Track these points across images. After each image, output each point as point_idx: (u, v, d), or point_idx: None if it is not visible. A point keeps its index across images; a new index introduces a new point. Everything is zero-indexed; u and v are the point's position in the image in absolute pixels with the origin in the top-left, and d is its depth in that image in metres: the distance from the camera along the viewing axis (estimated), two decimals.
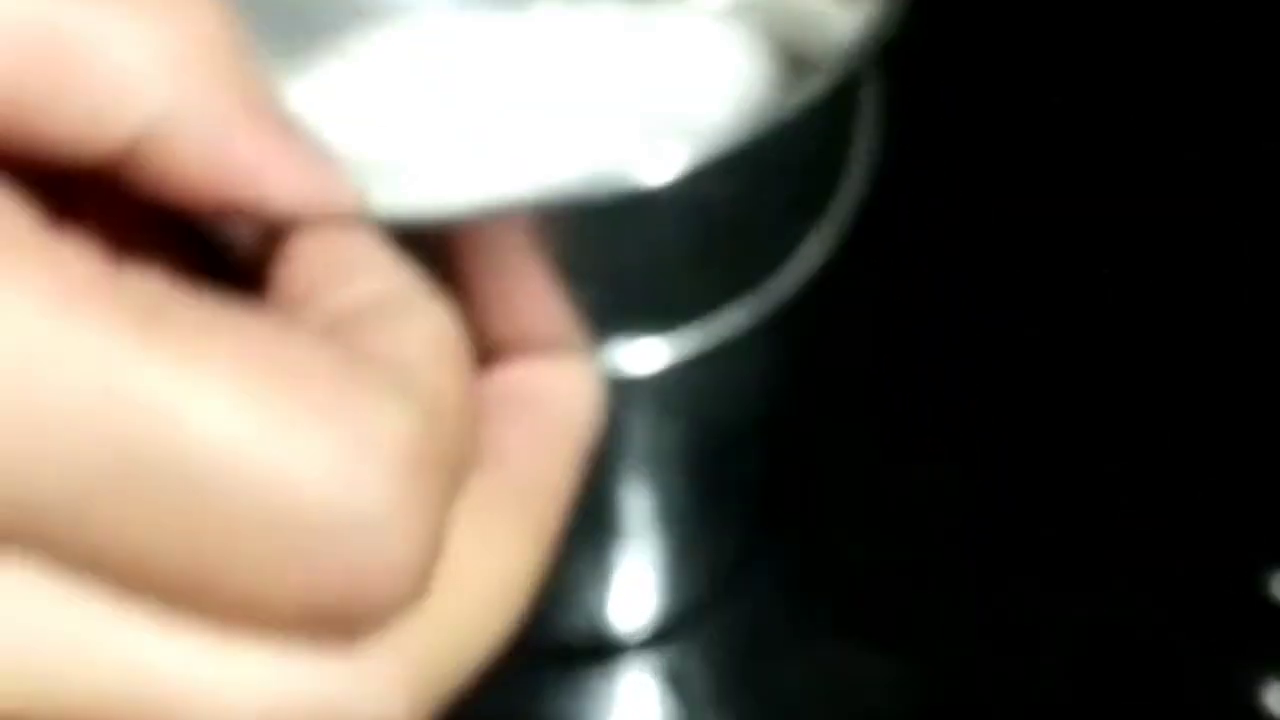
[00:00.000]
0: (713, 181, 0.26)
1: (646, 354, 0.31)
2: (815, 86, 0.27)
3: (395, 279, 0.21)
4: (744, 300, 0.30)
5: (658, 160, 0.25)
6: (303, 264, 0.21)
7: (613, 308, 0.28)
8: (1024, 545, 0.43)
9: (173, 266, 0.22)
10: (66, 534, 0.17)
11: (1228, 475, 0.44)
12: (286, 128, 0.21)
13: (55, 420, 0.17)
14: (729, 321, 0.31)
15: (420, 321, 0.20)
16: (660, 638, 0.41)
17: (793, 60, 0.36)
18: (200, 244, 0.23)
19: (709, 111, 0.34)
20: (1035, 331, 0.46)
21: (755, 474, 0.40)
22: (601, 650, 0.41)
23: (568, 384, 0.26)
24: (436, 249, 0.24)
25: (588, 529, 0.36)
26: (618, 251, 0.27)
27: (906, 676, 0.41)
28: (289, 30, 0.38)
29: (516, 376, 0.25)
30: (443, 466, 0.19)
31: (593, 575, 0.38)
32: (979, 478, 0.43)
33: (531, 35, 0.41)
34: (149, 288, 0.18)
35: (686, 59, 0.36)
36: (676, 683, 0.41)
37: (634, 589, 0.40)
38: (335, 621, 0.18)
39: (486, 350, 0.26)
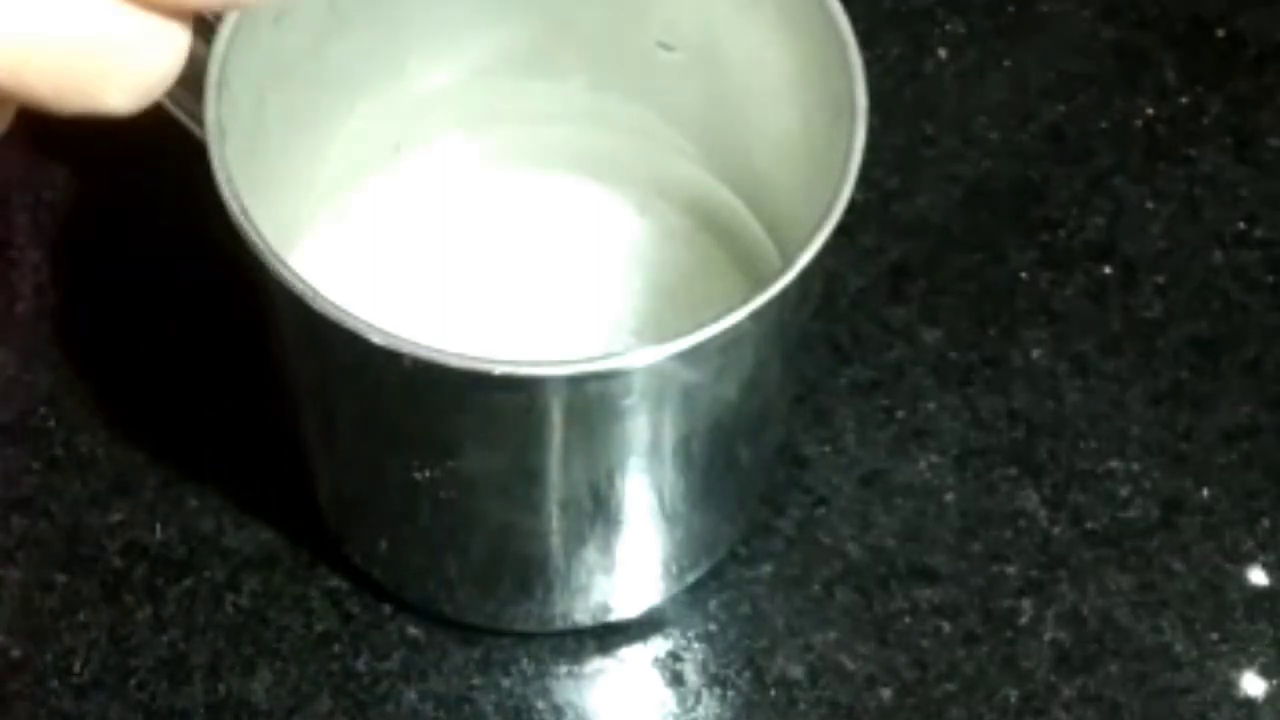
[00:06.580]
0: None
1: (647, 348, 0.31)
2: None
3: None
4: None
5: None
6: None
7: None
8: (1021, 538, 0.43)
9: None
10: None
11: (1212, 471, 0.44)
12: None
13: None
14: (727, 315, 0.32)
15: None
16: (660, 623, 0.42)
17: None
18: None
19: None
20: (1032, 325, 0.46)
21: (754, 463, 0.40)
22: (602, 635, 0.42)
23: None
24: None
25: (590, 517, 0.37)
26: None
27: (901, 665, 0.41)
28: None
29: None
30: None
31: (594, 562, 0.39)
32: (976, 469, 0.44)
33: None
34: None
35: None
36: (675, 668, 0.41)
37: (635, 576, 0.41)
38: None
39: None
